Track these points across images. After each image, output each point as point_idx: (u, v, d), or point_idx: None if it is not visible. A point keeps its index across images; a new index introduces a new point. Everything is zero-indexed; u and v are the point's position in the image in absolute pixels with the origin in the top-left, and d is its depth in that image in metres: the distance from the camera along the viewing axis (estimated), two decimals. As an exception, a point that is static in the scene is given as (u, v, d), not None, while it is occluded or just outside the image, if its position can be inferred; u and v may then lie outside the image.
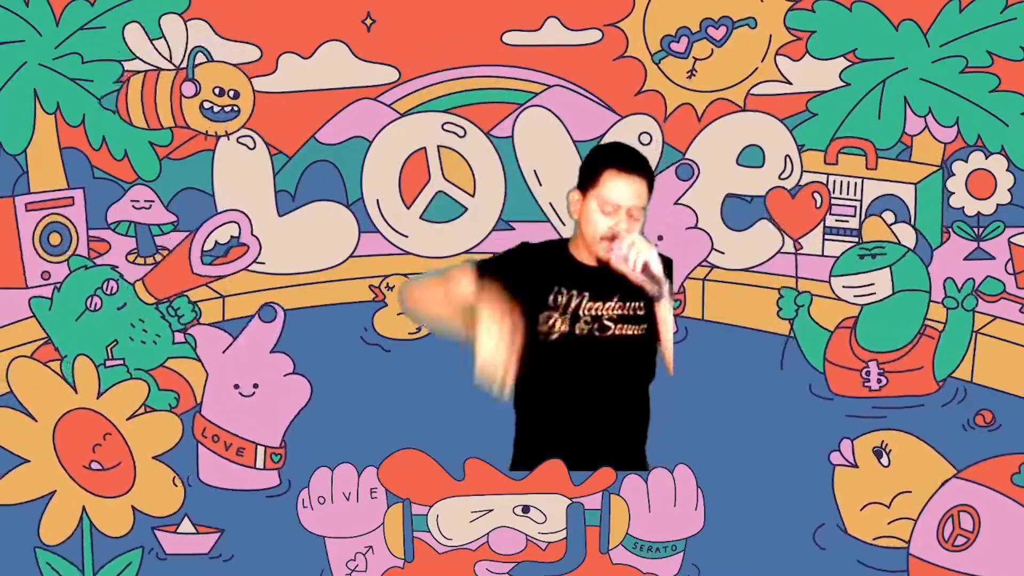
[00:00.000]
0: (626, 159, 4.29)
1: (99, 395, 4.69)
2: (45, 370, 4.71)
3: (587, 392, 4.35)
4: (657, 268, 4.21)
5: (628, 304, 4.33)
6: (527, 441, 4.45)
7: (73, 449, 4.69)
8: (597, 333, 4.33)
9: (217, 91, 5.63)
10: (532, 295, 4.34)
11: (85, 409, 4.69)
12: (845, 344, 5.39)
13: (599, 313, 4.33)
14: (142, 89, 5.60)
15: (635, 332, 4.31)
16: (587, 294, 4.33)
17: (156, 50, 5.61)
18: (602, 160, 4.31)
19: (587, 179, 4.31)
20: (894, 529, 4.70)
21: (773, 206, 5.58)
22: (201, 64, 5.63)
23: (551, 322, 4.34)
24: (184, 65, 5.61)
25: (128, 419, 4.70)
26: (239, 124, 5.67)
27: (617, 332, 4.33)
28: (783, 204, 5.58)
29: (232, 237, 5.51)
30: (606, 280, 4.29)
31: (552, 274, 4.35)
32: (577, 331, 4.33)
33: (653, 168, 4.35)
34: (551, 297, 4.34)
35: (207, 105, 5.64)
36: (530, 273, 4.37)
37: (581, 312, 4.34)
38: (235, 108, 5.65)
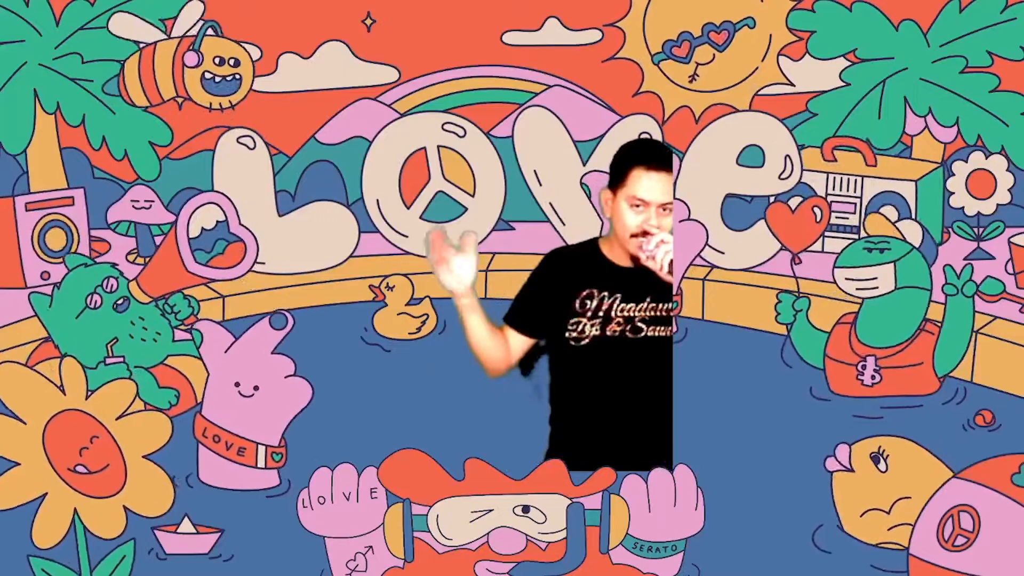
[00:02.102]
0: (653, 155, 4.33)
1: (88, 396, 4.69)
2: (33, 373, 4.70)
3: (618, 392, 4.36)
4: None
5: (661, 305, 4.34)
6: (560, 438, 4.46)
7: (63, 451, 4.68)
8: (629, 334, 4.35)
9: (217, 60, 5.63)
10: (563, 301, 4.36)
11: (74, 410, 4.68)
12: (844, 339, 5.38)
13: (632, 314, 4.34)
14: (139, 63, 5.58)
15: (666, 333, 4.33)
16: (619, 295, 4.34)
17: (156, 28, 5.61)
18: (630, 158, 4.35)
19: (616, 177, 4.35)
20: (894, 535, 4.70)
21: (773, 220, 5.58)
22: (209, 36, 5.62)
23: (580, 327, 4.35)
24: (186, 33, 5.60)
25: (117, 419, 4.69)
26: (240, 96, 5.66)
27: (650, 333, 4.34)
28: (783, 219, 5.58)
29: (218, 222, 5.49)
30: (639, 281, 4.30)
31: (583, 276, 4.37)
32: (609, 332, 4.35)
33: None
34: (578, 302, 4.35)
35: (208, 76, 5.63)
36: (562, 280, 4.38)
37: (613, 313, 4.35)
38: (237, 76, 5.64)
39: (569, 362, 4.39)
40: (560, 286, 4.38)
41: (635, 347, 4.34)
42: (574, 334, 4.35)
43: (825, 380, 5.40)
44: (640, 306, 4.33)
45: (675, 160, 5.65)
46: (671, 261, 4.26)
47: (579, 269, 4.39)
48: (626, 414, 4.37)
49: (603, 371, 4.35)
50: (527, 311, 4.44)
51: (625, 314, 4.34)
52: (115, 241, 5.76)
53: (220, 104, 5.65)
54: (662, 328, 4.34)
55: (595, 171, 5.62)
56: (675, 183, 4.39)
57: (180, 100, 5.64)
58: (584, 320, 4.35)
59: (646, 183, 4.29)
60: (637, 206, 4.30)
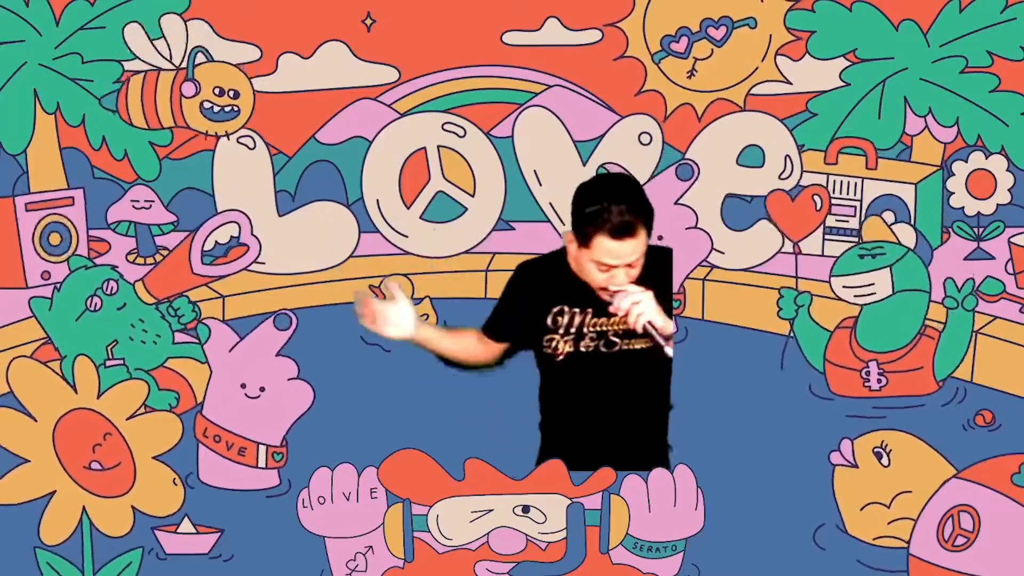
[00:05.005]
0: (618, 227, 4.10)
1: (99, 395, 4.70)
2: (45, 370, 4.71)
3: (598, 408, 4.34)
4: (660, 323, 4.17)
5: None
6: (549, 446, 4.46)
7: (73, 449, 4.69)
8: (604, 349, 4.31)
9: (217, 91, 5.64)
10: (535, 318, 4.33)
11: (85, 409, 4.69)
12: (845, 344, 5.39)
13: (604, 329, 4.30)
14: (142, 89, 5.60)
15: (643, 345, 4.28)
16: (591, 310, 4.29)
17: (156, 50, 5.61)
18: (593, 224, 4.12)
19: (578, 232, 4.17)
20: (894, 529, 4.70)
21: (773, 209, 5.58)
22: (201, 64, 5.63)
23: (553, 344, 4.33)
24: (184, 65, 5.61)
25: (128, 419, 4.70)
26: (239, 124, 5.68)
27: (624, 347, 4.31)
28: (783, 207, 5.57)
29: (232, 237, 5.51)
30: None
31: (554, 292, 4.32)
32: (583, 348, 4.31)
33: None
34: (550, 318, 4.32)
35: (207, 105, 5.64)
36: (532, 295, 4.35)
37: (585, 329, 4.31)
38: (235, 108, 5.65)
39: (550, 377, 4.38)
40: (529, 300, 4.35)
41: (610, 361, 4.31)
42: (548, 351, 4.33)
43: (825, 381, 5.40)
44: (612, 320, 4.27)
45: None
46: (648, 323, 4.15)
47: (548, 284, 4.32)
48: (609, 428, 4.36)
49: (581, 387, 4.33)
50: (499, 322, 4.43)
51: (597, 329, 4.30)
52: (115, 241, 5.77)
53: (216, 132, 5.65)
54: (639, 340, 4.26)
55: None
56: (649, 226, 4.20)
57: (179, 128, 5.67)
58: (557, 337, 4.32)
59: (611, 250, 4.12)
60: (602, 269, 4.15)
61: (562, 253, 4.31)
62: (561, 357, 4.32)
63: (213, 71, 5.65)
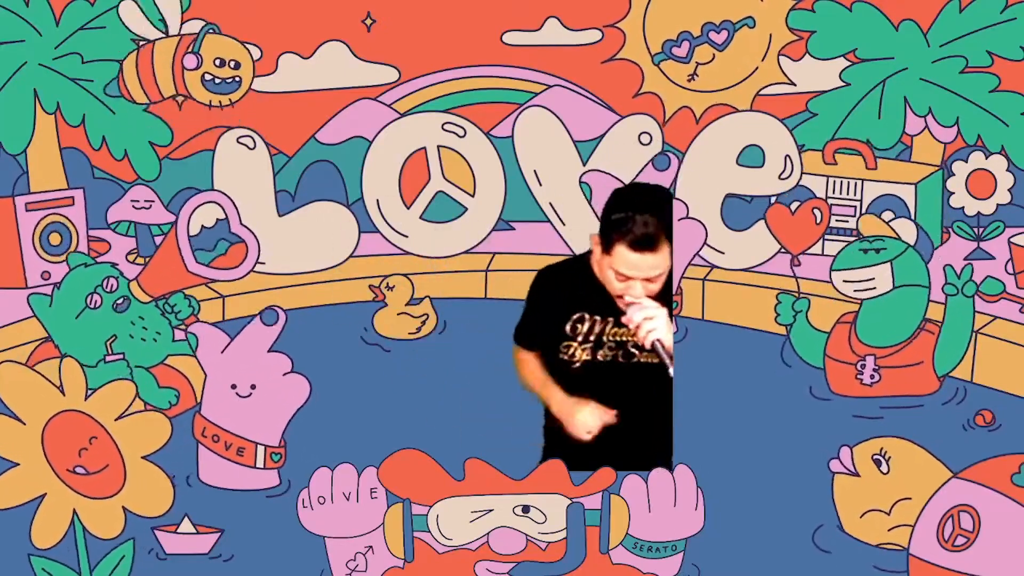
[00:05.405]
0: (639, 239, 4.10)
1: (87, 396, 4.69)
2: (32, 373, 4.71)
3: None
4: (669, 342, 4.16)
5: None
6: (554, 449, 4.45)
7: (62, 451, 4.69)
8: (622, 360, 4.29)
9: (218, 62, 5.63)
10: (555, 322, 4.32)
11: (73, 411, 4.69)
12: (844, 339, 5.39)
13: (624, 339, 4.29)
14: (137, 61, 5.58)
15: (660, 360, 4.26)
16: (611, 319, 4.27)
17: (154, 26, 5.61)
18: (617, 231, 4.14)
19: (604, 237, 4.18)
20: (894, 536, 4.70)
21: (773, 222, 5.58)
22: (208, 34, 5.62)
23: (570, 351, 4.32)
24: (185, 33, 5.60)
25: (116, 420, 4.70)
26: (240, 94, 5.66)
27: (643, 359, 4.29)
28: (783, 220, 5.57)
29: (218, 220, 5.49)
30: None
31: (575, 299, 4.30)
32: (600, 357, 4.29)
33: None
34: (569, 326, 4.30)
35: (208, 77, 5.63)
36: (553, 299, 4.33)
37: (605, 338, 4.29)
38: (237, 79, 5.64)
39: (561, 383, 4.37)
40: (553, 305, 4.34)
41: (627, 372, 4.30)
42: (564, 357, 4.32)
43: (825, 380, 5.40)
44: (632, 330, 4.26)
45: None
46: (656, 341, 4.14)
47: (570, 290, 4.31)
48: (619, 437, 4.36)
49: (595, 396, 4.32)
50: (532, 330, 4.42)
51: (617, 338, 4.29)
52: (115, 241, 5.77)
53: (220, 102, 5.65)
54: (655, 354, 4.25)
55: (595, 170, 5.62)
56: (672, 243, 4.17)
57: (180, 99, 5.65)
58: (575, 344, 4.30)
59: (630, 261, 4.14)
60: (621, 279, 4.17)
61: (583, 259, 4.31)
62: (577, 365, 4.31)
63: (213, 43, 5.64)
